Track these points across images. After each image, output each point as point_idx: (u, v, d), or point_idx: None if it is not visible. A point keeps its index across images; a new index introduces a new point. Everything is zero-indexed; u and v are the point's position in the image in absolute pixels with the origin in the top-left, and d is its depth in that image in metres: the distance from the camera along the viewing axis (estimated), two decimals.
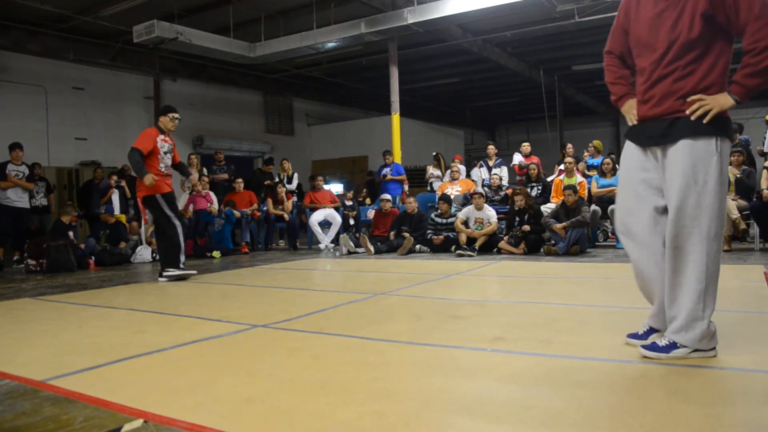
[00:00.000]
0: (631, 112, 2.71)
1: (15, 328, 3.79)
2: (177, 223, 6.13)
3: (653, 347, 2.54)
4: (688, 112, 2.43)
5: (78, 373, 2.61)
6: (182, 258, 6.15)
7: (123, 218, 9.52)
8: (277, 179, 11.25)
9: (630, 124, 2.72)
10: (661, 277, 2.59)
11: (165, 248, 6.13)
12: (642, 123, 2.63)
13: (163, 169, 6.23)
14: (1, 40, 11.28)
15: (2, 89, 11.54)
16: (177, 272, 6.05)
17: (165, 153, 6.24)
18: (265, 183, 11.10)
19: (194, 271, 6.29)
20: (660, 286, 2.61)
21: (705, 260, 2.42)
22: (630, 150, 2.72)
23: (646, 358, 2.53)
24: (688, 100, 2.44)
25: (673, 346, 2.49)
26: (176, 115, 6.33)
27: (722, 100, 2.39)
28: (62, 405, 2.19)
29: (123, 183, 10.34)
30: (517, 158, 10.67)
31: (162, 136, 6.23)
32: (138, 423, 1.98)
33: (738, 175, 7.60)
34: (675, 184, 2.46)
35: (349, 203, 10.97)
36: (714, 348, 2.51)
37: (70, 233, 8.29)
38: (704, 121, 2.40)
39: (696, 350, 2.48)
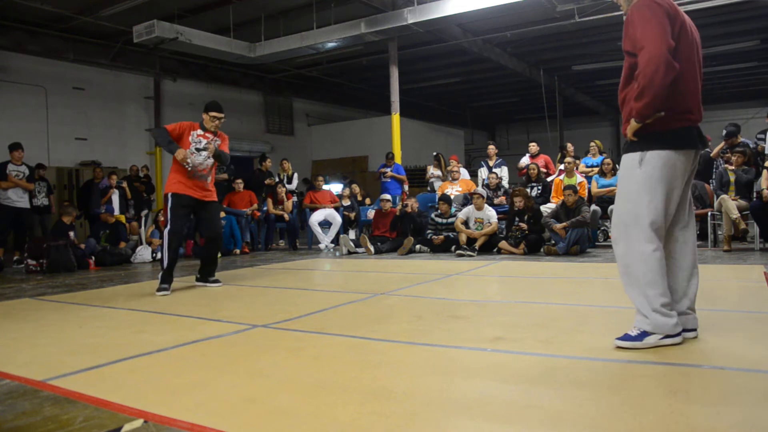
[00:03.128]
0: None
1: (15, 327, 3.79)
2: (167, 234, 5.40)
3: (626, 337, 2.72)
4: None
5: (78, 373, 2.61)
6: (163, 268, 5.34)
7: (123, 218, 9.52)
8: (277, 179, 11.25)
9: None
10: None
11: None
12: None
13: (189, 166, 5.43)
14: (2, 40, 11.29)
15: (2, 89, 11.55)
16: (159, 290, 5.24)
17: (198, 150, 5.50)
18: (266, 182, 11.09)
19: (164, 292, 5.18)
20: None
21: (634, 260, 2.72)
22: None
23: (621, 348, 2.69)
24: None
25: (644, 334, 2.69)
26: (216, 114, 5.57)
27: (632, 124, 2.70)
28: (62, 405, 2.19)
29: (123, 183, 10.34)
30: (525, 160, 10.52)
31: (200, 131, 5.54)
32: (138, 423, 1.98)
33: (737, 173, 7.62)
34: (616, 195, 2.92)
35: (347, 203, 10.94)
36: (680, 334, 2.71)
37: (71, 233, 8.28)
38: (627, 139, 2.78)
39: (666, 336, 2.68)
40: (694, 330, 2.84)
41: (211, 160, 5.62)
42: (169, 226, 5.43)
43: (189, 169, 5.46)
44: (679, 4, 2.77)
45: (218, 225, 5.91)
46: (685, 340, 2.75)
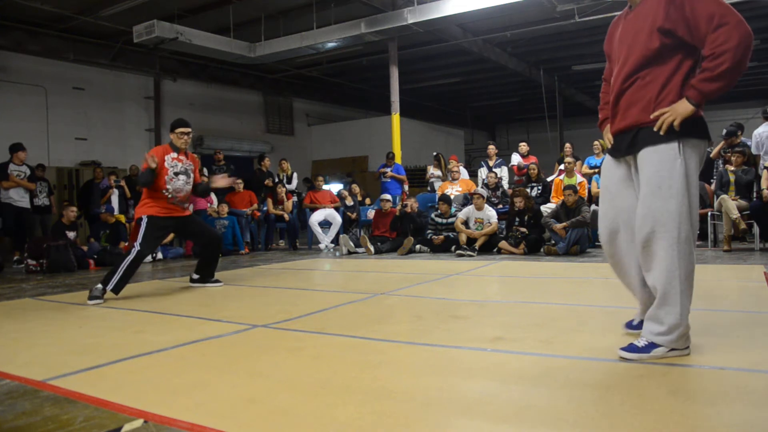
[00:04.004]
0: (606, 136, 2.84)
1: (15, 328, 3.79)
2: (134, 252, 4.99)
3: (632, 348, 2.56)
4: (655, 129, 2.50)
5: (78, 373, 2.61)
6: (110, 283, 4.85)
7: (123, 218, 9.52)
8: (277, 179, 11.25)
9: (608, 146, 2.85)
10: (639, 277, 2.75)
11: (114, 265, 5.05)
12: (615, 137, 2.74)
13: (168, 193, 5.26)
14: (2, 41, 11.29)
15: (3, 89, 11.56)
16: (92, 298, 4.76)
17: (176, 174, 5.32)
18: (265, 183, 11.07)
19: (97, 301, 4.72)
20: (639, 284, 2.78)
21: (677, 263, 2.46)
22: (607, 163, 2.86)
23: (624, 359, 2.54)
24: (652, 117, 2.52)
25: (652, 345, 2.53)
26: (184, 130, 5.41)
27: (681, 109, 2.45)
28: (62, 405, 2.19)
29: (122, 183, 10.35)
30: (516, 159, 10.67)
31: (174, 155, 5.36)
32: (138, 423, 1.98)
33: (737, 174, 7.62)
34: (642, 191, 2.56)
35: (350, 203, 10.96)
36: (688, 347, 2.57)
37: (73, 233, 8.28)
38: (663, 131, 2.48)
39: (673, 349, 2.53)
40: None
41: (190, 186, 5.47)
42: (139, 247, 5.02)
43: (169, 196, 5.28)
44: None
45: (210, 229, 5.83)
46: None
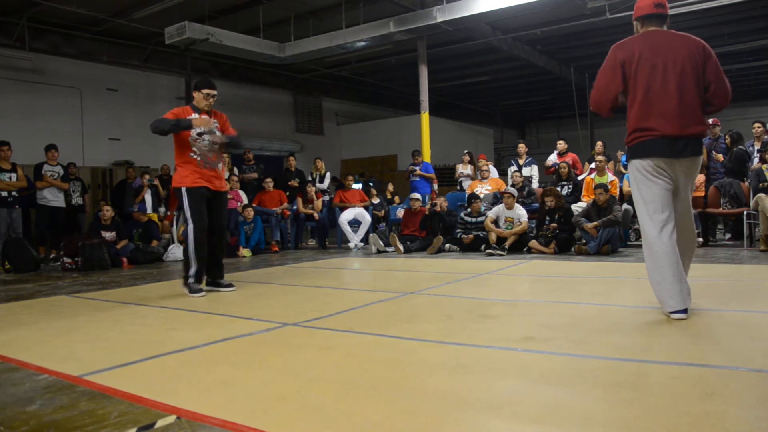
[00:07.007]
0: None
1: (52, 324, 3.87)
2: (191, 227, 5.02)
3: None
4: None
5: (113, 369, 2.66)
6: (191, 270, 5.02)
7: (155, 217, 9.66)
8: (309, 177, 11.33)
9: None
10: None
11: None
12: None
13: (196, 156, 5.07)
14: (39, 44, 11.56)
15: (39, 91, 11.82)
16: (184, 288, 5.05)
17: (200, 135, 5.07)
18: (290, 183, 11.09)
19: (200, 293, 4.96)
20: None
21: (645, 253, 3.41)
22: None
23: None
24: None
25: None
26: (210, 91, 5.14)
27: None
28: (98, 400, 2.23)
29: (156, 182, 10.50)
30: (553, 158, 10.44)
31: (195, 115, 5.08)
32: (171, 419, 2.01)
33: None
34: None
35: (376, 201, 10.97)
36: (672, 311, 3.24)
37: (112, 234, 8.41)
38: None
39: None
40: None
41: (218, 145, 5.22)
42: (192, 224, 5.00)
43: (198, 159, 5.06)
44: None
45: (224, 217, 5.46)
46: (719, 341, 2.72)
